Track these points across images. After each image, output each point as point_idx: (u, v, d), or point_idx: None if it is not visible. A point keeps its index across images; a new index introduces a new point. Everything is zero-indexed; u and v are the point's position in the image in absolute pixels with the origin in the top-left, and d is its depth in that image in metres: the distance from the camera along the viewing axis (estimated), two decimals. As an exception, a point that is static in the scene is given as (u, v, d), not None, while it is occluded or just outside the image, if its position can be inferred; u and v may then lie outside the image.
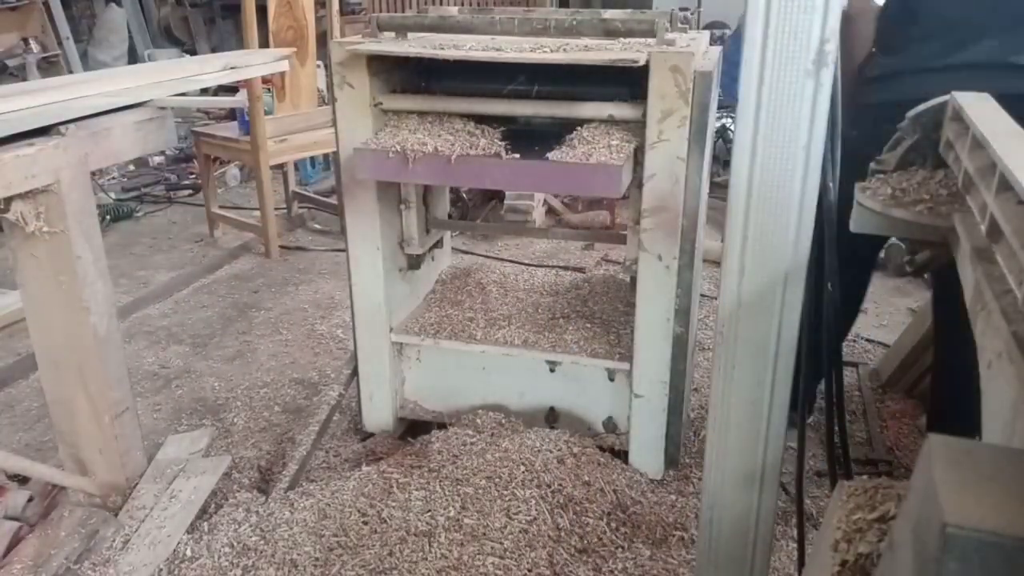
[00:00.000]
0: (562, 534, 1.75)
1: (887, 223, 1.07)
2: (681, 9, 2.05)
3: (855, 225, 1.11)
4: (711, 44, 2.13)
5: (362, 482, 1.91)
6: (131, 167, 4.97)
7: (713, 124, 1.87)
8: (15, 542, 1.73)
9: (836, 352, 1.31)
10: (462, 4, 5.73)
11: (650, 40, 1.81)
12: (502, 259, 3.66)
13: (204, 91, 2.17)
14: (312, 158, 4.74)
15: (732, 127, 3.87)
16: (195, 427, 2.37)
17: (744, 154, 0.99)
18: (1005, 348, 0.69)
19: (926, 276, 2.98)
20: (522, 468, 1.87)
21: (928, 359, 2.33)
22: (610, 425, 2.10)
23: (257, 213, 3.81)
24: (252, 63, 2.31)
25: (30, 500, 1.83)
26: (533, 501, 1.79)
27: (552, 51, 1.80)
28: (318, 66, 3.82)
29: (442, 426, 2.13)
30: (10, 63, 5.82)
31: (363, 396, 2.23)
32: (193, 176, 4.84)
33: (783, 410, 1.11)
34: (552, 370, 2.10)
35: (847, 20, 1.80)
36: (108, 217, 4.15)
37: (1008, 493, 0.49)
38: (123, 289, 3.37)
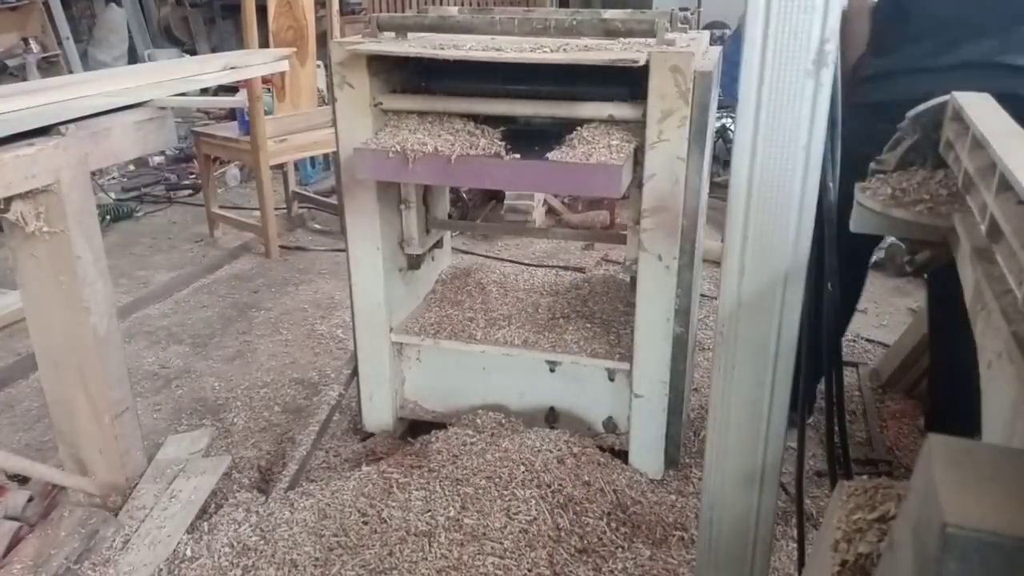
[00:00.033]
0: (562, 534, 1.75)
1: (887, 223, 1.07)
2: (681, 9, 2.05)
3: (855, 225, 1.11)
4: (711, 44, 2.13)
5: (362, 482, 1.91)
6: (131, 167, 4.97)
7: (713, 124, 1.87)
8: (15, 542, 1.73)
9: (836, 352, 1.31)
10: (462, 4, 5.73)
11: (650, 40, 1.81)
12: (502, 259, 3.66)
13: (204, 91, 2.17)
14: (312, 158, 4.74)
15: (732, 127, 3.88)
16: (195, 427, 2.37)
17: (744, 154, 0.99)
18: (1005, 348, 0.69)
19: (926, 276, 2.99)
20: (522, 468, 1.87)
21: (928, 359, 2.33)
22: (610, 425, 2.10)
23: (257, 213, 3.81)
24: (252, 63, 2.31)
25: (30, 500, 1.83)
26: (533, 501, 1.79)
27: (552, 51, 1.80)
28: (318, 66, 3.82)
29: (442, 426, 2.13)
30: (10, 63, 5.82)
31: (363, 396, 2.23)
32: (193, 176, 4.84)
33: (783, 410, 1.11)
34: (552, 370, 2.10)
35: (844, 20, 1.81)
36: (108, 217, 4.15)
37: (1008, 493, 0.49)
38: (123, 289, 3.37)
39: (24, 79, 5.44)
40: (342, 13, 4.87)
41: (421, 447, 2.05)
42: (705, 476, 1.18)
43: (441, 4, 4.83)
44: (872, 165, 1.20)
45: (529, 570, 1.66)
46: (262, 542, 1.76)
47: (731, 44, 4.26)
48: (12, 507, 1.80)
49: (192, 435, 2.21)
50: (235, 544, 1.76)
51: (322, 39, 3.61)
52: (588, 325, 2.19)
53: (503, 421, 2.11)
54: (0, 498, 1.81)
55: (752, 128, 0.98)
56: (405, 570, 1.67)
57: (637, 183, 1.84)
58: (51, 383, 1.82)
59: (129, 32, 7.18)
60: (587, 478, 1.88)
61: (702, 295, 2.77)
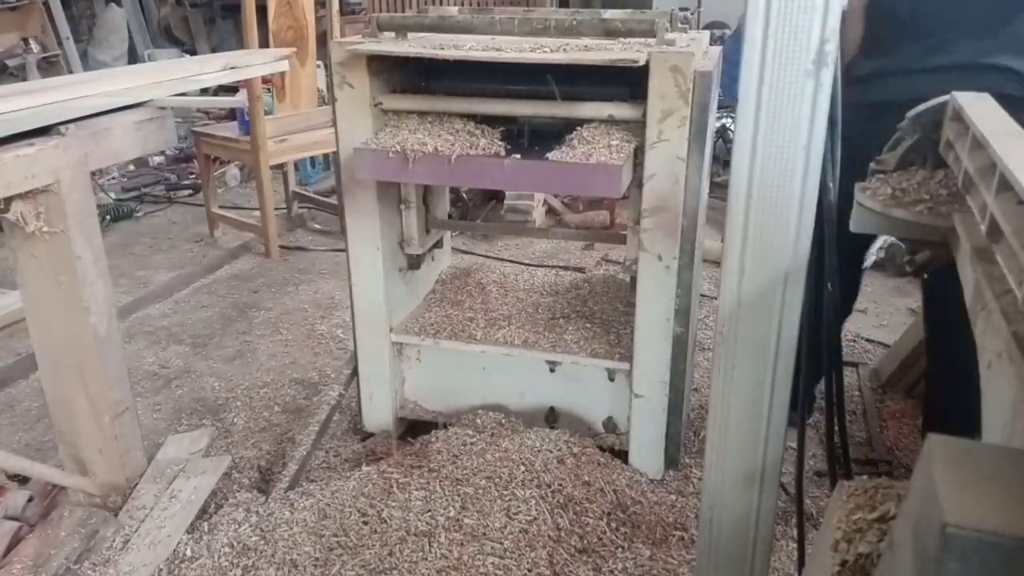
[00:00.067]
0: (562, 534, 1.75)
1: (887, 223, 1.07)
2: (681, 9, 2.05)
3: (855, 225, 1.11)
4: (711, 44, 2.13)
5: (362, 482, 1.91)
6: (131, 167, 4.97)
7: (713, 124, 1.87)
8: (15, 542, 1.73)
9: (836, 352, 1.31)
10: (462, 4, 5.73)
11: (650, 40, 1.81)
12: (502, 259, 3.66)
13: (204, 91, 2.17)
14: (312, 158, 4.74)
15: (732, 127, 3.87)
16: (195, 427, 2.37)
17: (744, 154, 0.99)
18: (1005, 348, 0.69)
19: (925, 276, 2.99)
20: (522, 468, 1.87)
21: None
22: (610, 425, 2.10)
23: (257, 213, 3.81)
24: (252, 63, 2.31)
25: (30, 500, 1.83)
26: (533, 501, 1.79)
27: (552, 51, 1.80)
28: (318, 66, 3.82)
29: (442, 426, 2.13)
30: (10, 63, 5.82)
31: (363, 396, 2.23)
32: (193, 176, 4.84)
33: (783, 410, 1.11)
34: (552, 370, 2.10)
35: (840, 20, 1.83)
36: (108, 217, 4.15)
37: (1008, 493, 0.49)
38: (123, 289, 3.37)
39: (24, 79, 5.44)
40: (342, 13, 4.87)
41: (421, 447, 2.05)
42: (705, 476, 1.18)
43: (441, 4, 4.83)
44: (872, 165, 1.20)
45: (529, 570, 1.66)
46: (262, 542, 1.76)
47: (731, 44, 4.26)
48: (12, 507, 1.80)
49: (192, 435, 2.21)
50: (235, 544, 1.76)
51: (322, 39, 3.61)
52: (588, 325, 2.20)
53: (503, 421, 2.11)
54: (0, 498, 1.81)
55: (752, 128, 0.98)
56: (405, 570, 1.67)
57: (637, 183, 1.84)
58: (51, 383, 1.82)
59: (129, 32, 7.18)
60: (587, 478, 1.88)
61: (702, 295, 2.78)
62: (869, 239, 2.13)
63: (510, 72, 1.90)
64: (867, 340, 2.88)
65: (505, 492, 1.82)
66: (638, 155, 1.80)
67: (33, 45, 6.01)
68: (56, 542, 1.72)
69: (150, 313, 3.20)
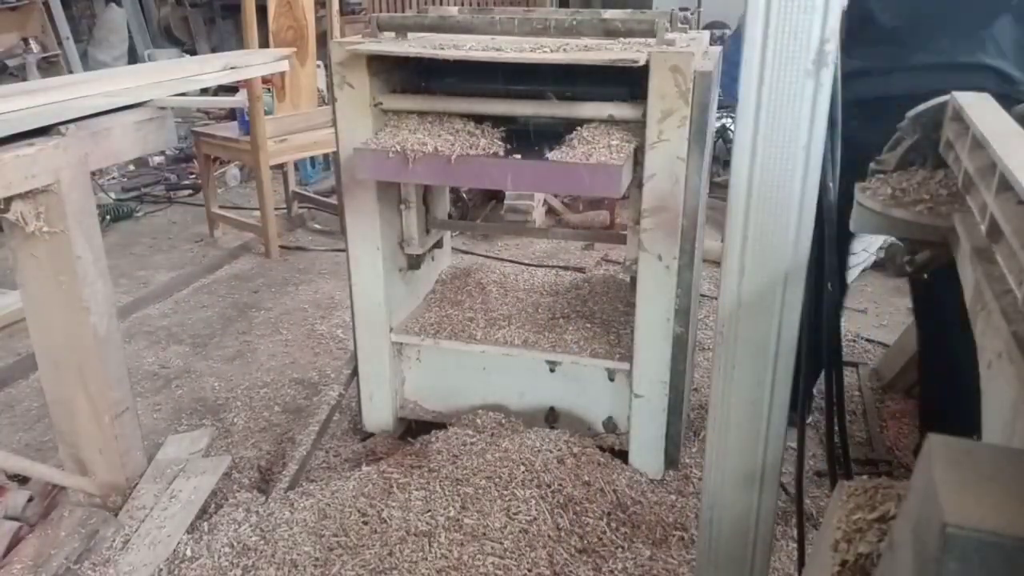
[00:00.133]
0: (562, 534, 1.75)
1: (887, 223, 1.07)
2: (681, 9, 2.05)
3: (855, 225, 1.11)
4: (711, 44, 2.13)
5: (362, 482, 1.91)
6: (131, 167, 4.97)
7: (713, 124, 1.87)
8: (15, 542, 1.73)
9: (836, 352, 1.31)
10: (462, 4, 5.73)
11: (650, 40, 1.81)
12: (502, 259, 3.66)
13: (204, 91, 2.17)
14: (312, 158, 4.74)
15: (732, 127, 3.87)
16: (195, 427, 2.37)
17: (744, 154, 0.99)
18: (1005, 348, 0.69)
19: (926, 276, 2.99)
20: (522, 468, 1.87)
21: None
22: (610, 425, 2.10)
23: (257, 213, 3.81)
24: (252, 63, 2.31)
25: (30, 500, 1.83)
26: (533, 501, 1.79)
27: (552, 51, 1.80)
28: (318, 66, 3.82)
29: (442, 426, 2.13)
30: (10, 63, 5.82)
31: (363, 396, 2.23)
32: (193, 176, 4.84)
33: (783, 410, 1.11)
34: (552, 370, 2.10)
35: None
36: (108, 217, 4.15)
37: (1008, 493, 0.49)
38: (123, 289, 3.37)
39: (24, 79, 5.44)
40: (342, 13, 4.87)
41: (421, 447, 2.05)
42: (705, 476, 1.18)
43: (441, 4, 4.83)
44: (872, 165, 1.20)
45: (529, 570, 1.66)
46: (262, 542, 1.76)
47: (731, 44, 4.26)
48: (12, 507, 1.80)
49: (192, 435, 2.21)
50: (235, 544, 1.76)
51: (322, 39, 3.61)
52: (588, 325, 2.19)
53: (503, 421, 2.11)
54: (0, 498, 1.81)
55: (752, 128, 0.98)
56: (405, 570, 1.67)
57: (637, 183, 1.84)
58: (51, 383, 1.82)
59: (129, 32, 7.18)
60: (587, 478, 1.88)
61: (702, 295, 2.77)
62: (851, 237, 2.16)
63: (510, 72, 1.90)
64: (867, 340, 2.88)
65: (505, 492, 1.82)
66: (638, 155, 1.80)
67: (33, 45, 6.01)
68: (56, 542, 1.72)
69: (150, 313, 3.20)
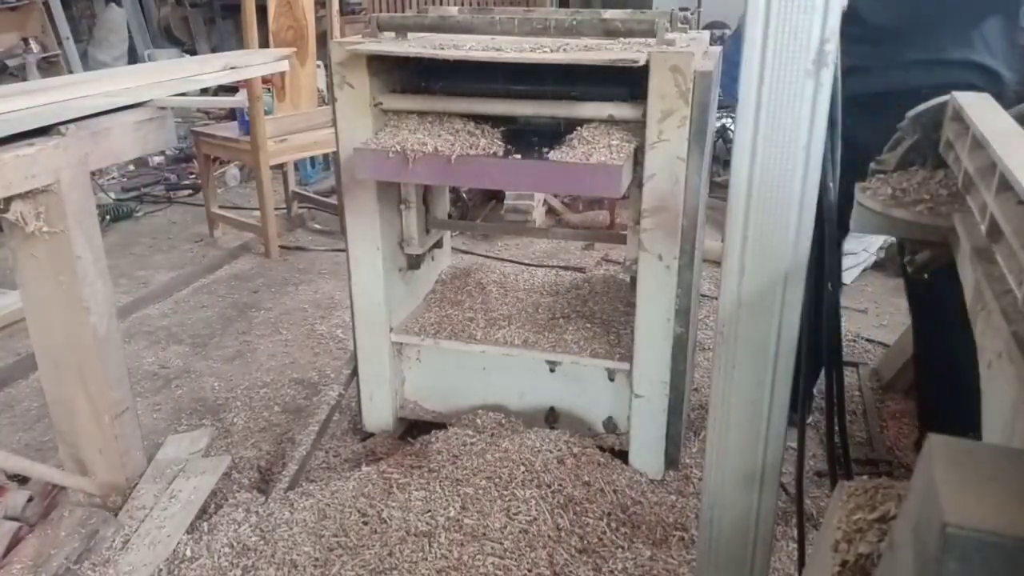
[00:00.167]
0: (562, 534, 1.75)
1: (887, 223, 1.07)
2: (681, 9, 2.05)
3: (855, 225, 1.11)
4: (711, 44, 2.13)
5: (362, 482, 1.90)
6: (131, 167, 4.97)
7: (713, 124, 1.87)
8: (15, 542, 1.73)
9: (836, 352, 1.31)
10: (462, 4, 5.73)
11: (650, 40, 1.81)
12: (502, 259, 3.66)
13: (204, 91, 2.17)
14: (312, 158, 4.74)
15: (732, 127, 3.87)
16: (195, 427, 2.37)
17: (744, 154, 0.99)
18: (1005, 348, 0.69)
19: (926, 276, 3.00)
20: (522, 468, 1.87)
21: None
22: (610, 425, 2.10)
23: (257, 213, 3.81)
24: (252, 63, 2.31)
25: (30, 500, 1.83)
26: (533, 501, 1.79)
27: (552, 51, 1.80)
28: (318, 66, 3.82)
29: (442, 426, 2.13)
30: (10, 63, 5.82)
31: (363, 396, 2.23)
32: (193, 176, 4.84)
33: (783, 410, 1.11)
34: (552, 370, 2.10)
35: None
36: (108, 217, 4.15)
37: (1008, 493, 0.49)
38: (123, 289, 3.37)
39: (24, 79, 5.44)
40: (342, 13, 4.87)
41: (421, 447, 2.05)
42: (705, 476, 1.18)
43: (441, 4, 4.83)
44: (872, 165, 1.20)
45: (529, 570, 1.66)
46: (262, 542, 1.76)
47: (731, 44, 4.25)
48: (12, 507, 1.80)
49: (192, 435, 2.21)
50: (235, 544, 1.76)
51: (322, 39, 3.61)
52: (588, 325, 2.19)
53: (503, 421, 2.11)
54: (0, 498, 1.81)
55: (752, 128, 0.98)
56: (405, 570, 1.67)
57: (637, 183, 1.84)
58: (51, 383, 1.82)
59: (129, 32, 7.18)
60: (587, 478, 1.88)
61: (702, 295, 2.77)
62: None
63: (510, 72, 1.90)
64: (867, 340, 2.88)
65: (505, 492, 1.82)
66: (638, 155, 1.80)
67: (33, 45, 6.01)
68: (56, 542, 1.72)
69: (150, 313, 3.20)
